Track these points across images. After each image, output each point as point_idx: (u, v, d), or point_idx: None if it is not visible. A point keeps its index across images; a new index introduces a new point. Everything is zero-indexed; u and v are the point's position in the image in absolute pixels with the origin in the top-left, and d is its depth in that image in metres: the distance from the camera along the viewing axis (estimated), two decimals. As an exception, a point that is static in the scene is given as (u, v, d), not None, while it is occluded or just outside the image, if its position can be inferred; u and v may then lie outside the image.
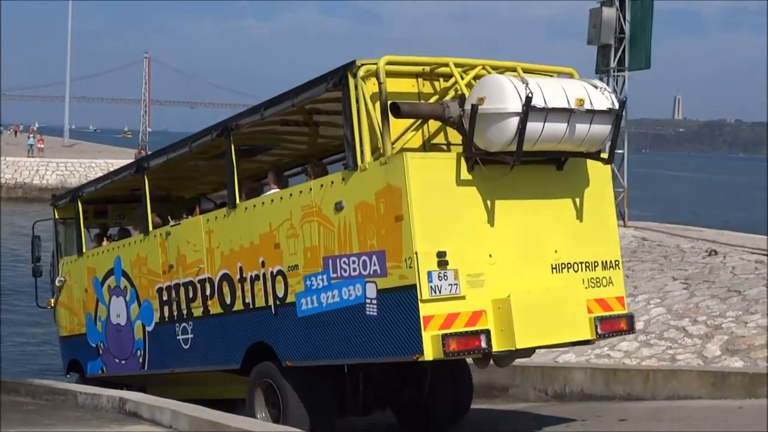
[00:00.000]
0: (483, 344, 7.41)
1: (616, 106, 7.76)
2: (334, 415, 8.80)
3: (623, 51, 23.40)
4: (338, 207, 7.91)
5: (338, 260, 7.93)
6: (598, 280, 8.17)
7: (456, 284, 7.38)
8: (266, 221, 8.78)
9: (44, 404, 9.83)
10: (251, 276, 8.98)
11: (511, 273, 7.67)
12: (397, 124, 7.75)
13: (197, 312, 9.92)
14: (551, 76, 8.39)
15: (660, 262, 16.57)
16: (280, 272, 8.60)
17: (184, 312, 10.15)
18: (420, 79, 8.17)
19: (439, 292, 7.30)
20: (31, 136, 69.32)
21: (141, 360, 11.21)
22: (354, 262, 7.77)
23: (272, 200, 8.86)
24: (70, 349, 13.33)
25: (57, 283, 13.45)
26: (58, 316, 13.64)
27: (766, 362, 10.58)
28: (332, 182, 8.07)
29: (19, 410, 9.22)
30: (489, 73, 7.95)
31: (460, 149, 7.73)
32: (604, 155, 8.13)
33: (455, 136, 8.01)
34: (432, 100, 8.06)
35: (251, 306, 9.03)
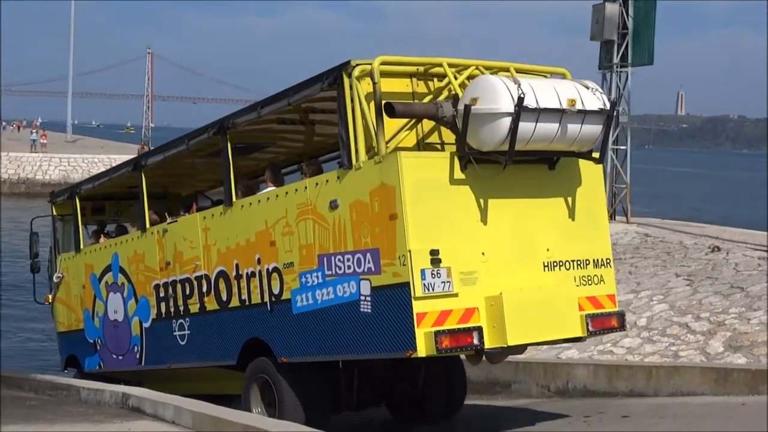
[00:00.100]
0: (475, 341, 7.50)
1: (608, 106, 7.85)
2: (329, 411, 8.89)
3: (626, 47, 23.27)
4: (333, 205, 8.00)
5: (333, 258, 8.02)
6: (589, 278, 8.26)
7: (449, 282, 7.47)
8: (262, 219, 8.87)
9: (47, 399, 9.82)
10: (247, 273, 9.08)
11: (504, 271, 7.76)
12: (392, 124, 7.83)
13: (194, 308, 10.01)
14: (545, 76, 8.48)
15: (663, 258, 16.53)
16: (275, 269, 8.69)
17: (181, 308, 10.24)
18: (414, 79, 8.25)
19: (432, 290, 7.39)
20: (34, 131, 69.37)
21: (138, 356, 11.30)
22: (348, 259, 7.87)
23: (268, 198, 8.95)
24: (68, 344, 13.42)
25: (55, 280, 13.54)
26: (56, 312, 13.73)
27: (768, 358, 10.57)
28: (327, 181, 8.17)
29: (22, 405, 9.21)
30: (482, 73, 8.04)
31: (453, 149, 7.82)
32: (596, 155, 8.22)
33: (449, 136, 8.10)
34: (426, 99, 8.14)
35: (247, 303, 9.12)
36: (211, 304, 9.68)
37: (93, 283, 12.31)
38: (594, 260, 8.32)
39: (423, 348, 7.35)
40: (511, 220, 7.92)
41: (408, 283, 7.36)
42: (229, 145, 9.47)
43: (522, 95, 7.35)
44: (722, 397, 9.46)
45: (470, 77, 8.02)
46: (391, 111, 7.57)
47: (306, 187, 8.40)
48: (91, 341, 12.54)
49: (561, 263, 8.12)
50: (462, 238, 7.63)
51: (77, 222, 12.85)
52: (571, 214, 8.26)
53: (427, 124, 8.21)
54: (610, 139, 22.77)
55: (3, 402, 9.34)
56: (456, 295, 7.51)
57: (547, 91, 7.55)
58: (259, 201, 9.07)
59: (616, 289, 8.61)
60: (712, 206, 57.45)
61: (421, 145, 8.21)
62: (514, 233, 7.91)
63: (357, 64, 7.79)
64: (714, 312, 12.32)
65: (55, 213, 13.80)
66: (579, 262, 8.22)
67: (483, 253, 7.71)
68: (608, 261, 8.43)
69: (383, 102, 7.59)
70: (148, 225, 10.97)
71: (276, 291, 8.70)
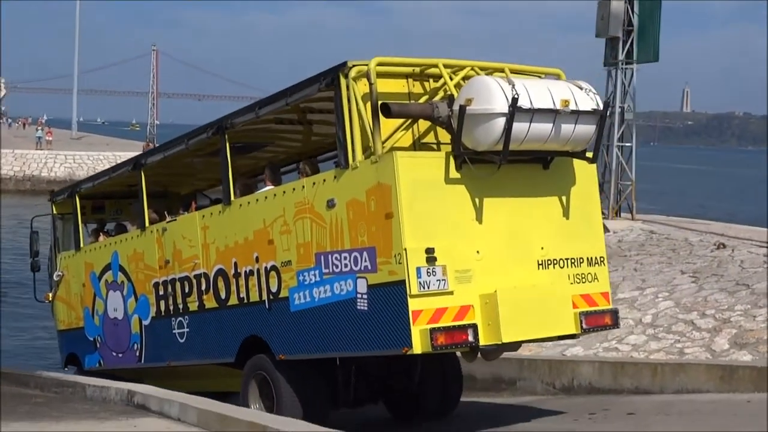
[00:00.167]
0: (470, 338, 7.60)
1: (601, 106, 7.95)
2: (326, 407, 8.98)
3: (631, 43, 23.13)
4: (330, 204, 8.10)
5: (330, 256, 8.12)
6: (583, 276, 8.36)
7: (444, 280, 7.57)
8: (260, 218, 8.96)
9: (53, 397, 9.84)
10: (246, 271, 9.17)
11: (498, 269, 7.86)
12: (388, 124, 7.92)
13: (193, 306, 10.10)
14: (539, 77, 8.58)
15: (668, 255, 16.50)
16: (273, 267, 8.78)
17: (180, 306, 10.33)
18: (410, 80, 8.34)
19: (428, 288, 7.49)
20: (40, 128, 69.57)
21: (138, 353, 11.39)
22: (345, 258, 7.96)
23: (266, 197, 9.04)
24: (68, 342, 13.51)
25: (55, 278, 13.63)
26: (57, 310, 13.82)
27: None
28: (324, 180, 8.26)
29: (28, 402, 9.23)
30: (477, 74, 8.14)
31: (449, 148, 7.90)
32: (589, 154, 8.32)
33: (445, 136, 8.18)
34: (422, 100, 8.23)
35: (246, 300, 9.21)
36: (210, 302, 9.78)
37: (93, 281, 12.40)
38: (588, 258, 8.41)
39: (418, 345, 7.44)
40: (506, 219, 8.01)
41: (404, 281, 7.46)
42: (227, 144, 9.56)
43: (516, 96, 7.46)
44: (727, 394, 9.47)
45: (466, 78, 8.12)
46: (387, 111, 7.67)
47: (303, 187, 8.49)
48: (91, 339, 12.63)
49: (555, 261, 8.22)
50: (457, 237, 7.73)
51: (77, 221, 12.94)
52: (566, 213, 8.35)
53: (423, 124, 8.29)
54: (615, 136, 22.99)
55: (8, 399, 9.38)
56: (451, 292, 7.61)
57: (541, 92, 7.65)
58: (257, 200, 9.16)
59: (610, 287, 8.69)
60: (718, 203, 57.31)
61: (417, 145, 8.29)
62: (508, 232, 8.01)
63: (353, 65, 7.88)
64: (719, 309, 12.30)
65: (55, 212, 13.89)
66: (573, 261, 8.31)
67: (478, 252, 7.81)
68: (602, 259, 8.52)
69: (379, 102, 7.69)
70: (147, 224, 11.06)
71: (274, 289, 8.79)
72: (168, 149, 10.85)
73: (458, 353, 8.88)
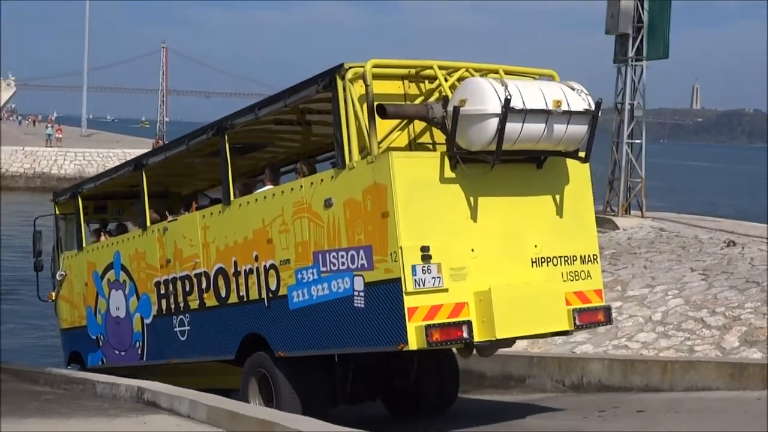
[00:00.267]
0: (465, 334, 7.74)
1: (593, 107, 8.08)
2: (325, 404, 9.10)
3: (641, 40, 23.02)
4: (327, 203, 8.24)
5: (327, 255, 8.26)
6: (576, 273, 8.48)
7: (439, 277, 7.71)
8: (259, 217, 9.11)
9: (62, 393, 9.88)
10: (245, 270, 9.31)
11: (493, 267, 8.00)
12: (384, 125, 8.06)
13: (194, 305, 10.24)
14: (533, 78, 8.71)
15: (678, 252, 16.37)
16: (272, 266, 8.92)
17: (181, 305, 10.47)
18: (406, 81, 8.48)
19: (423, 285, 7.63)
20: (50, 125, 69.71)
21: (140, 351, 11.53)
22: (342, 256, 8.10)
23: (265, 197, 9.19)
24: (71, 341, 13.66)
25: (58, 277, 13.77)
26: (59, 309, 13.97)
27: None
28: (322, 180, 8.40)
29: (38, 399, 9.27)
30: (472, 75, 8.27)
31: (445, 148, 8.03)
32: (582, 154, 8.45)
33: (440, 136, 8.31)
34: (417, 101, 8.38)
35: (245, 299, 9.35)
36: (211, 301, 9.92)
37: (95, 280, 12.55)
38: (581, 256, 8.54)
39: (414, 341, 7.58)
40: (500, 217, 8.14)
41: (399, 279, 7.60)
42: (227, 145, 9.70)
43: (509, 97, 7.59)
44: (737, 392, 9.47)
45: (460, 79, 8.25)
46: (383, 112, 7.82)
47: (302, 186, 8.63)
48: (94, 337, 12.77)
49: (549, 259, 8.35)
50: (452, 235, 7.86)
51: (79, 221, 13.08)
52: (559, 212, 8.48)
53: (419, 125, 8.43)
54: (625, 133, 23.01)
55: (18, 396, 9.42)
56: (446, 290, 7.74)
57: (533, 93, 7.79)
58: (256, 200, 9.30)
59: (603, 284, 8.80)
60: (728, 200, 56.91)
61: (413, 145, 8.44)
62: (502, 230, 8.14)
63: (350, 67, 8.01)
64: (729, 307, 12.25)
65: (57, 212, 14.04)
66: (566, 258, 8.44)
67: (472, 250, 7.94)
68: (595, 257, 8.65)
69: (375, 104, 7.83)
70: (149, 223, 11.21)
71: (273, 287, 8.93)
72: (169, 150, 11.00)
73: (454, 350, 9.05)
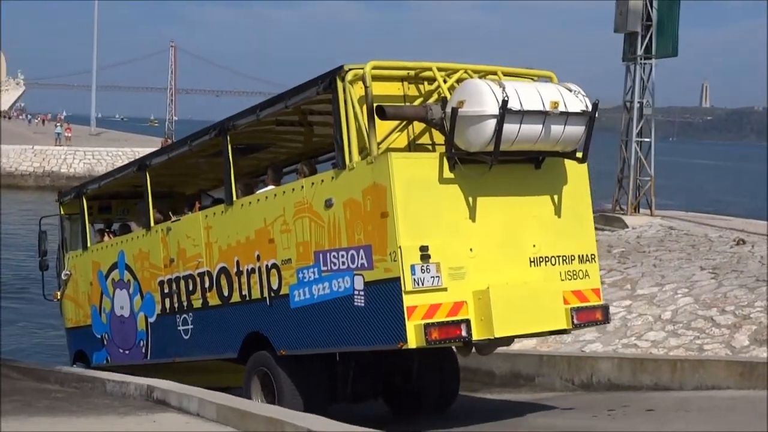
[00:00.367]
0: (463, 333, 7.83)
1: (590, 108, 8.17)
2: (327, 402, 9.18)
3: (650, 38, 22.87)
4: (328, 204, 8.34)
5: (328, 254, 8.36)
6: (574, 272, 8.57)
7: (438, 277, 7.80)
8: (261, 217, 9.21)
9: (72, 392, 9.94)
10: (247, 269, 9.41)
11: (491, 266, 8.08)
12: (384, 126, 8.16)
13: (197, 304, 10.34)
14: (532, 79, 8.80)
15: (687, 251, 16.31)
16: (274, 266, 9.02)
17: (185, 304, 10.57)
18: (405, 83, 8.58)
19: (422, 284, 7.72)
20: (59, 124, 69.81)
21: (144, 350, 11.63)
22: (343, 256, 8.20)
23: (266, 197, 9.29)
24: (76, 340, 13.77)
25: (63, 277, 13.88)
26: (64, 309, 14.09)
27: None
28: (323, 180, 8.50)
29: (47, 397, 9.34)
30: (470, 77, 8.37)
31: (444, 149, 8.12)
32: (579, 154, 8.54)
33: (440, 137, 8.42)
34: (416, 102, 8.48)
35: (247, 298, 9.45)
36: (213, 300, 10.02)
37: (100, 280, 12.66)
38: (579, 256, 8.62)
39: (413, 340, 7.68)
40: (499, 217, 8.23)
41: (399, 278, 7.69)
42: (229, 146, 9.80)
43: (506, 98, 7.68)
44: (747, 391, 9.45)
45: (459, 81, 8.34)
46: (382, 114, 7.92)
47: (302, 187, 8.74)
48: (99, 336, 12.88)
49: (547, 259, 8.43)
50: (451, 235, 7.95)
51: (84, 221, 13.20)
52: (557, 212, 8.57)
53: (419, 126, 8.53)
54: (634, 131, 22.98)
55: (28, 394, 9.49)
56: (445, 289, 7.83)
57: (531, 94, 7.88)
58: (258, 200, 9.40)
59: (600, 284, 8.88)
60: (737, 199, 56.31)
61: (413, 146, 8.54)
62: (501, 230, 8.23)
63: (350, 69, 8.11)
64: (739, 305, 12.21)
65: (62, 212, 14.16)
66: (564, 258, 8.53)
67: (471, 249, 8.03)
68: (593, 256, 8.74)
69: (375, 105, 7.92)
70: (152, 223, 11.31)
71: (275, 286, 9.03)
72: (172, 150, 11.11)
73: (454, 349, 9.14)
